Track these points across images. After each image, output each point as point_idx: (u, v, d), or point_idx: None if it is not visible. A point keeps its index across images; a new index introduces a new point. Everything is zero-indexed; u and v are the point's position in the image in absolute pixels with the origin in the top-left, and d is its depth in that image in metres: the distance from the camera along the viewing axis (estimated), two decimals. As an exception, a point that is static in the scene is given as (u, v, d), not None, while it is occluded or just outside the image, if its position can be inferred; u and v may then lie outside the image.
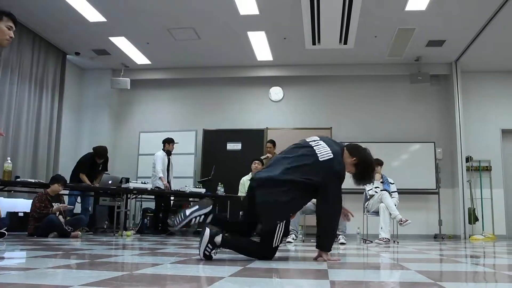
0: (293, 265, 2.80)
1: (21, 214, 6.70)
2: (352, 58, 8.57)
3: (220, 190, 7.57)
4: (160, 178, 7.35)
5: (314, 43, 7.65)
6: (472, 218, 8.10)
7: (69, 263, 2.44)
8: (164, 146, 7.59)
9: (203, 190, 7.55)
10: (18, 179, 5.94)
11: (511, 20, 6.78)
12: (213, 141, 9.02)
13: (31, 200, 6.70)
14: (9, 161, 5.87)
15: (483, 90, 8.93)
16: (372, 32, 7.45)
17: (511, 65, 8.60)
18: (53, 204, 5.51)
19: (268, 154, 7.62)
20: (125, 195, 6.61)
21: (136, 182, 6.81)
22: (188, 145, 8.54)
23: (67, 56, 8.78)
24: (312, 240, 6.09)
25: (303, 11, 6.53)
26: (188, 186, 7.63)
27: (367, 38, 7.63)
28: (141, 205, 8.38)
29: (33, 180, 6.25)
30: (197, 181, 8.47)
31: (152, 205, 8.25)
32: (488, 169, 8.63)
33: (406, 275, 2.32)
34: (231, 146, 8.91)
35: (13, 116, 7.25)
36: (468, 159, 8.41)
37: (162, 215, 7.54)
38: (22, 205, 7.33)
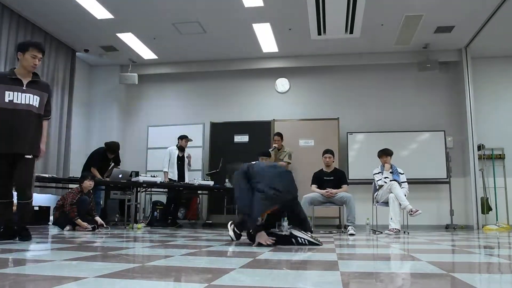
0: (302, 256, 2.81)
1: (36, 208, 6.89)
2: (359, 47, 8.49)
3: (228, 182, 7.63)
4: (164, 172, 7.58)
5: (319, 33, 7.56)
6: (485, 207, 7.89)
7: (83, 255, 2.49)
8: (178, 141, 7.86)
9: (211, 183, 7.61)
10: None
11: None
12: (220, 134, 9.02)
13: (44, 195, 6.89)
14: None
15: (495, 76, 8.70)
16: (378, 20, 7.35)
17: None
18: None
19: (275, 145, 7.68)
20: (135, 188, 6.67)
21: (146, 176, 6.86)
22: (196, 138, 8.54)
23: (77, 53, 8.91)
24: (321, 232, 6.10)
25: (307, 0, 6.47)
26: (197, 178, 7.72)
27: (373, 27, 7.54)
28: (150, 198, 8.45)
29: (46, 175, 6.34)
30: (206, 174, 8.52)
31: (161, 198, 8.33)
32: (501, 157, 8.40)
33: (417, 266, 2.30)
34: (238, 138, 8.91)
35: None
36: (480, 147, 8.24)
37: (172, 207, 7.65)
38: (36, 199, 7.51)
